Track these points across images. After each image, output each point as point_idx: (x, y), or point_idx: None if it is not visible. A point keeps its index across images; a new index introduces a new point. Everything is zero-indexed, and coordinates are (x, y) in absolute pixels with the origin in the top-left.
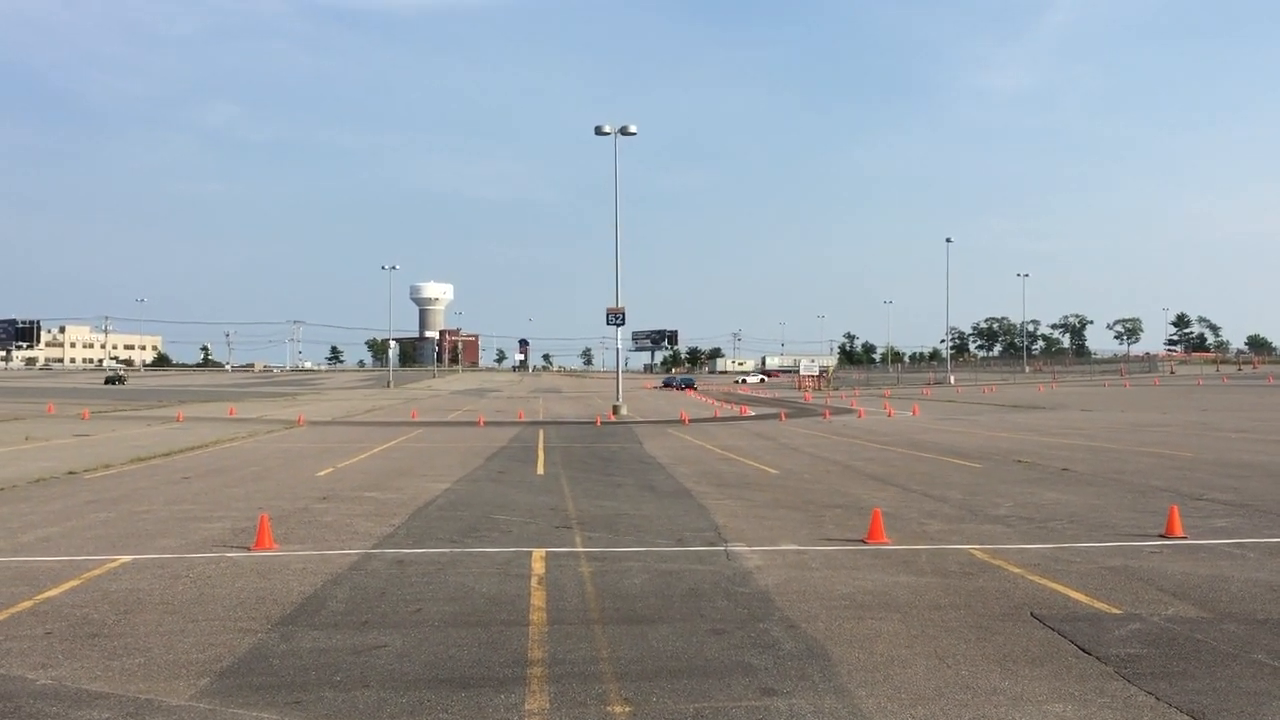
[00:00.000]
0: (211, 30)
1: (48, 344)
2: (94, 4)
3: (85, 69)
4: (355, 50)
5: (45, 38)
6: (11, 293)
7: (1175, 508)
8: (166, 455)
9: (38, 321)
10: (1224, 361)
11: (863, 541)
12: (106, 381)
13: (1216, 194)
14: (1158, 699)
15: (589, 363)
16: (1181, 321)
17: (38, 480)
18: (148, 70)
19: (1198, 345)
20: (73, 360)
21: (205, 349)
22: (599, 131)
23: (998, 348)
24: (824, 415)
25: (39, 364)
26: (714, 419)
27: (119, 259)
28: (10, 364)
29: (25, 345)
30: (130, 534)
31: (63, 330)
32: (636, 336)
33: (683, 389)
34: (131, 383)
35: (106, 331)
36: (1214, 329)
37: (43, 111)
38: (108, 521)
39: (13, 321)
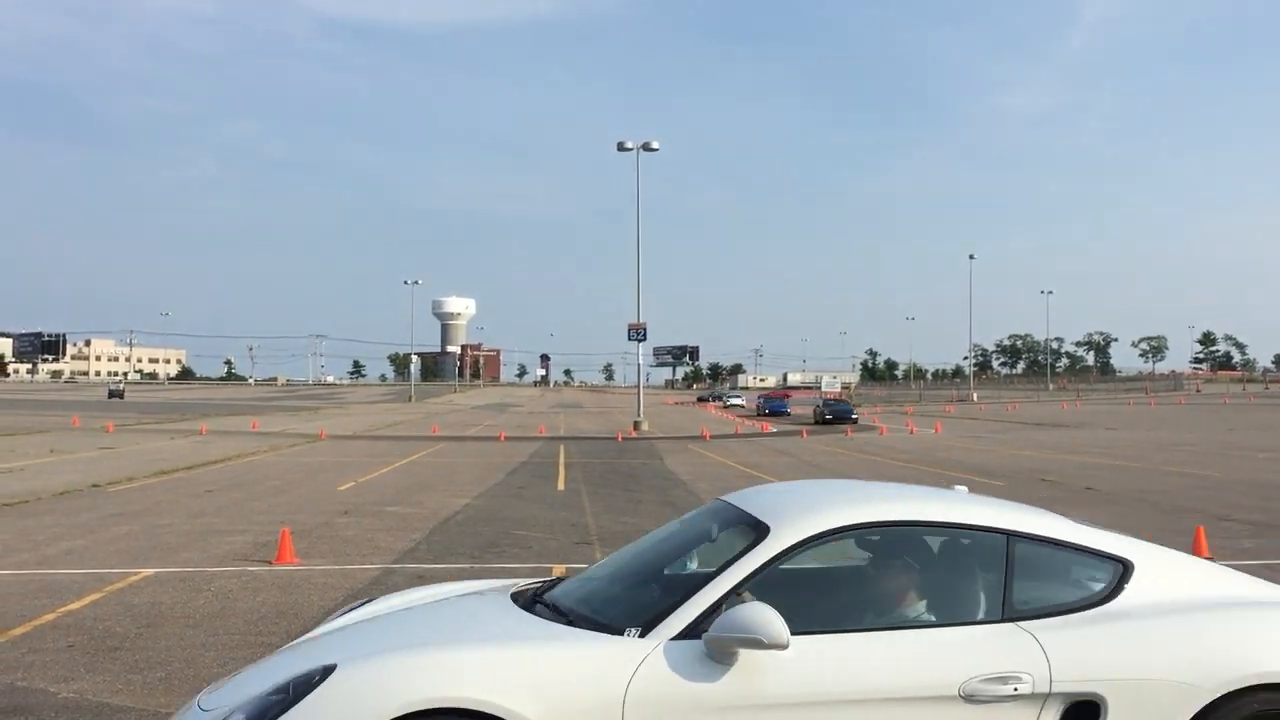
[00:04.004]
0: (234, 48)
1: (73, 357)
2: (119, 23)
3: (110, 87)
4: (377, 68)
5: (71, 56)
6: (38, 306)
7: (1201, 528)
8: (189, 469)
9: (63, 335)
10: (1250, 380)
11: None
12: (110, 395)
13: (1243, 212)
14: None
15: (610, 378)
16: (1207, 339)
17: (62, 493)
18: (172, 87)
19: (1224, 364)
20: (98, 373)
21: (229, 363)
22: (621, 148)
23: (1021, 365)
24: (846, 432)
25: (64, 377)
26: (735, 435)
27: (144, 273)
28: (36, 377)
29: (51, 358)
30: (153, 547)
31: (88, 343)
32: (658, 352)
33: (831, 420)
34: (157, 396)
35: (131, 345)
36: (1240, 347)
37: (69, 129)
38: (130, 534)
39: (39, 334)
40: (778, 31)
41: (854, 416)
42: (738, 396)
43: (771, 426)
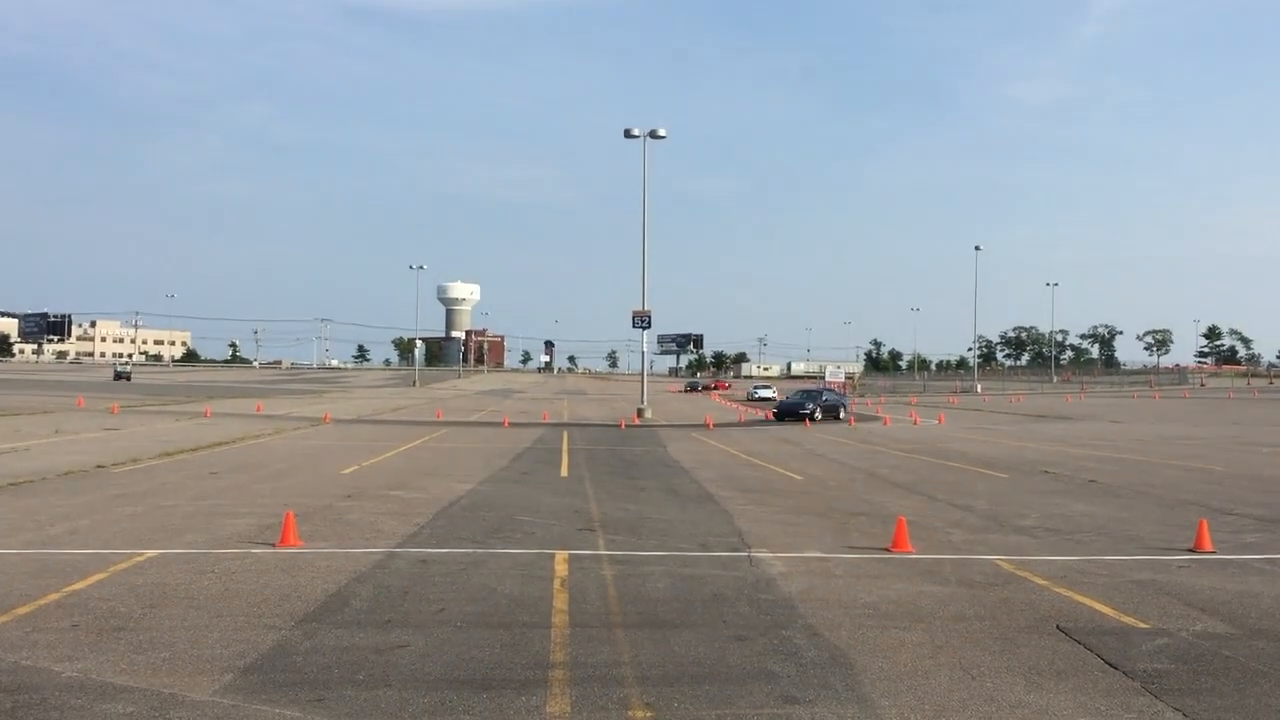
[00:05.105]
0: (245, 31)
1: (79, 338)
2: (130, 4)
3: (120, 68)
4: (386, 52)
5: (81, 37)
6: (44, 287)
7: (1205, 522)
8: (194, 450)
9: (69, 315)
10: (1255, 375)
11: (887, 550)
12: (115, 377)
13: (1250, 206)
14: (1185, 715)
15: (614, 365)
16: (1213, 334)
17: (66, 473)
18: (181, 70)
19: (1229, 358)
20: (103, 354)
21: (234, 345)
22: (628, 134)
23: (1025, 357)
24: (849, 422)
25: (70, 357)
26: (738, 424)
27: (150, 255)
28: (42, 357)
29: (57, 339)
30: (157, 528)
31: (94, 325)
32: (662, 340)
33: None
34: (162, 378)
35: (136, 326)
36: (1245, 342)
37: (78, 110)
38: (135, 515)
39: (44, 315)
40: (786, 20)
41: (806, 411)
42: (768, 388)
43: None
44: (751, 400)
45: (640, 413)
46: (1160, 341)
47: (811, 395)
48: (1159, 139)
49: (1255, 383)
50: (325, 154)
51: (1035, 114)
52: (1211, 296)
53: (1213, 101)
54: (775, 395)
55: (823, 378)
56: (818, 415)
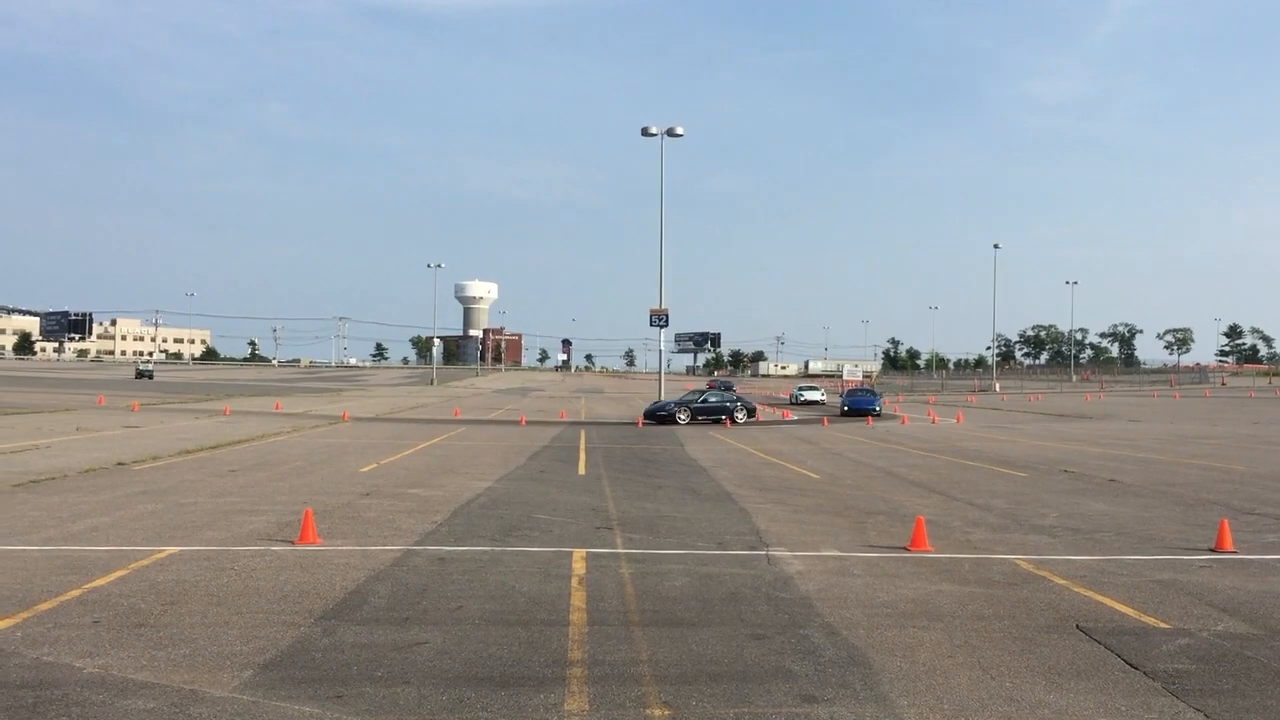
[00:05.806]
0: (261, 30)
1: (99, 336)
2: (147, 4)
3: (138, 68)
4: (402, 51)
5: (100, 36)
6: (64, 286)
7: (1226, 521)
8: (213, 448)
9: (90, 314)
10: (1277, 374)
11: (905, 549)
12: (137, 376)
13: (1272, 204)
14: (1207, 716)
15: (631, 364)
16: (1234, 332)
17: (88, 470)
18: (199, 69)
19: (1250, 357)
20: (123, 353)
21: (253, 344)
22: (645, 133)
23: (1044, 356)
24: (867, 421)
25: (90, 356)
26: (757, 422)
27: (170, 254)
28: (63, 355)
29: (78, 337)
30: (177, 525)
31: (114, 323)
32: (679, 338)
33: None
34: (181, 377)
35: (156, 325)
36: (1267, 340)
37: (98, 109)
38: (155, 513)
39: (65, 314)
40: (803, 18)
41: (666, 413)
42: (816, 390)
43: (793, 414)
44: (796, 403)
45: None
46: (1181, 340)
47: (689, 398)
48: (1179, 136)
49: (1277, 381)
50: (343, 153)
51: (1054, 111)
52: (1232, 295)
53: (1233, 98)
54: (823, 397)
55: (840, 376)
56: (681, 418)
